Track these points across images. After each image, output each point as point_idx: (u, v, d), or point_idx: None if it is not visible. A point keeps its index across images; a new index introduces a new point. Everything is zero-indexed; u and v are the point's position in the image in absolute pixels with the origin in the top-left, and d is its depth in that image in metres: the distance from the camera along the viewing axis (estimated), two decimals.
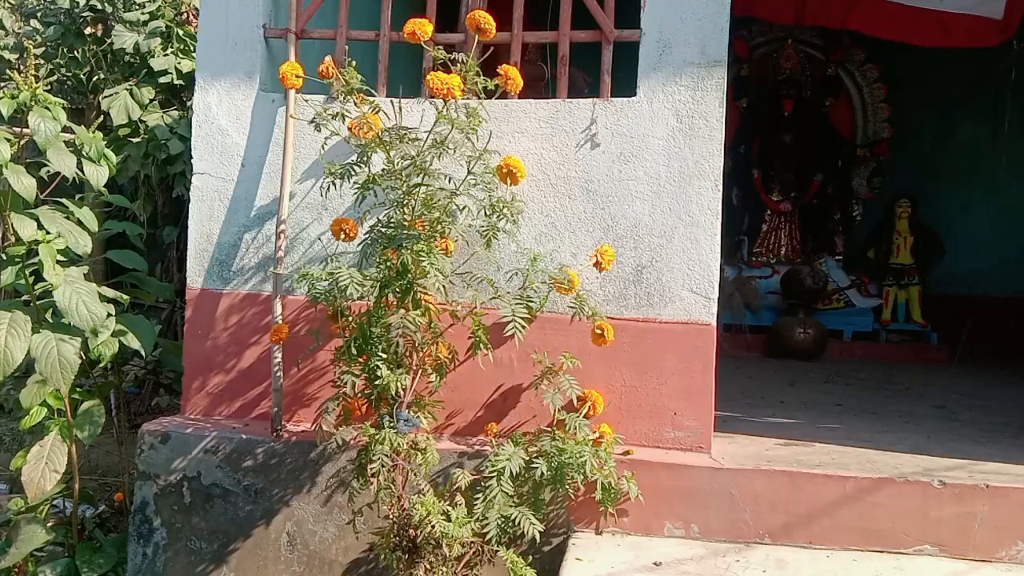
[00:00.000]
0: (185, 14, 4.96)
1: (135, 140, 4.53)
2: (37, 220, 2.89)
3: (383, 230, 2.59)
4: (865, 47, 6.61)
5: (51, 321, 2.94)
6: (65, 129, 3.10)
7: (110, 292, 3.13)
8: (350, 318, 2.65)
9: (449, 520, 2.43)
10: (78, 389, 3.14)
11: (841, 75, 6.76)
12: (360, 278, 2.45)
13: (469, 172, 2.61)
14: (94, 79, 5.12)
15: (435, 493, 2.56)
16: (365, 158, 2.62)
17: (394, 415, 2.50)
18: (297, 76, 2.82)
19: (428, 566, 2.47)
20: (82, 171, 3.18)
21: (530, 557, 2.59)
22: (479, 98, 2.57)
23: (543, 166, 2.98)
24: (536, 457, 2.61)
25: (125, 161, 4.46)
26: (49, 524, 3.09)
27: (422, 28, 2.55)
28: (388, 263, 2.49)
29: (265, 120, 3.16)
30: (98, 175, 3.24)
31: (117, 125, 4.52)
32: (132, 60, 4.90)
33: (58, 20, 5.20)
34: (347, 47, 2.83)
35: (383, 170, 2.60)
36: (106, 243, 4.40)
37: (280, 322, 2.95)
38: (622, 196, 2.93)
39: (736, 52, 6.39)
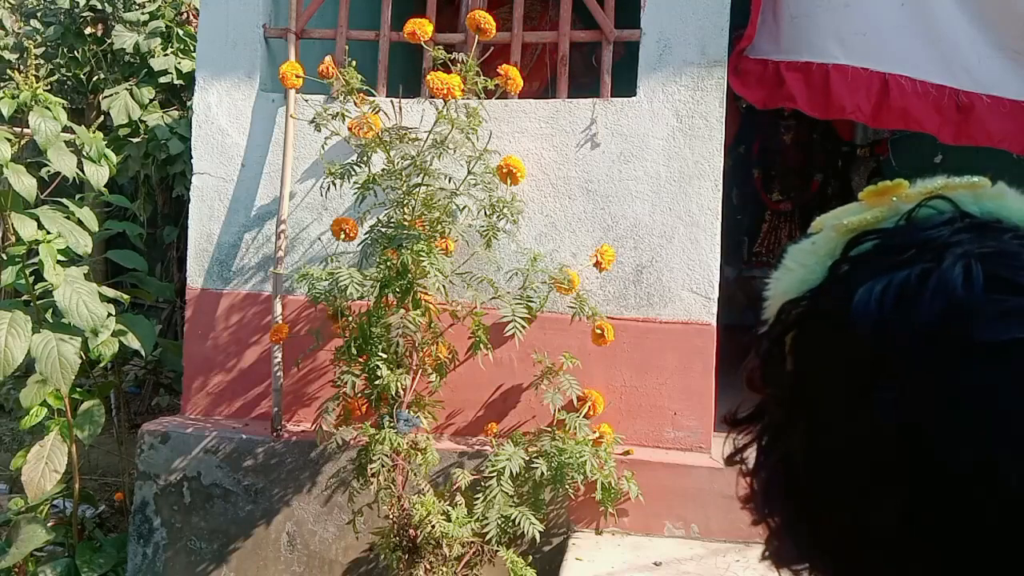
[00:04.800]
0: (185, 14, 4.96)
1: (135, 140, 4.54)
2: (37, 220, 2.89)
3: (383, 230, 2.59)
4: None
5: (51, 321, 2.94)
6: (65, 129, 3.10)
7: (110, 292, 3.13)
8: (350, 318, 2.65)
9: (449, 520, 2.43)
10: (78, 389, 3.14)
11: None
12: (360, 278, 2.45)
13: (469, 172, 2.60)
14: (94, 79, 5.12)
15: (435, 493, 2.56)
16: (365, 158, 2.62)
17: (394, 415, 2.50)
18: (297, 76, 2.82)
19: (428, 566, 2.47)
20: (82, 171, 3.19)
21: (530, 557, 2.59)
22: (479, 98, 2.57)
23: (543, 166, 2.98)
24: (536, 457, 2.61)
25: (125, 161, 4.46)
26: (49, 524, 3.09)
27: (422, 28, 2.55)
28: (388, 263, 2.49)
29: (265, 120, 3.16)
30: (98, 175, 3.24)
31: (117, 125, 4.52)
32: (132, 60, 4.90)
33: (58, 20, 5.20)
34: (347, 47, 2.83)
35: (383, 170, 2.60)
36: (106, 243, 4.40)
37: (280, 322, 2.95)
38: (622, 196, 2.93)
39: None
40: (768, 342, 0.55)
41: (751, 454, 0.58)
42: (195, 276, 3.20)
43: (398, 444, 2.44)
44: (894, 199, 0.53)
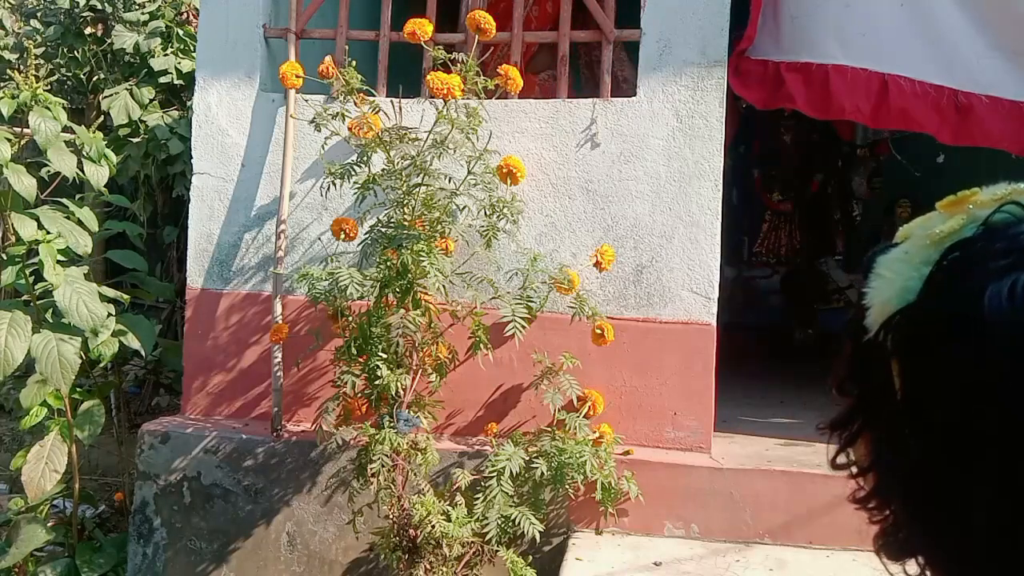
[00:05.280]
0: (185, 14, 4.96)
1: (135, 140, 4.54)
2: (37, 220, 2.89)
3: (383, 230, 2.59)
4: None
5: (51, 321, 2.94)
6: (65, 129, 3.10)
7: (110, 292, 3.13)
8: (350, 318, 2.65)
9: (449, 520, 2.43)
10: (78, 389, 3.14)
11: None
12: (360, 278, 2.45)
13: (469, 172, 2.60)
14: (94, 79, 5.12)
15: (435, 493, 2.56)
16: (365, 158, 2.62)
17: (394, 415, 2.50)
18: (297, 76, 2.82)
19: (428, 566, 2.47)
20: (82, 171, 3.18)
21: (530, 557, 2.59)
22: (479, 98, 2.57)
23: (543, 166, 2.98)
24: (536, 457, 2.61)
25: (125, 161, 4.46)
26: (49, 524, 3.09)
27: (422, 28, 2.55)
28: (388, 263, 2.49)
29: (265, 120, 3.16)
30: (98, 175, 3.24)
31: (117, 125, 4.52)
32: (132, 60, 4.90)
33: (58, 20, 5.20)
34: (347, 47, 2.82)
35: (383, 170, 2.60)
36: (106, 243, 4.39)
37: (280, 322, 2.95)
38: (622, 196, 2.93)
39: None
40: (872, 349, 0.57)
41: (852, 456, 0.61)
42: (195, 276, 3.20)
43: (398, 444, 2.44)
44: (970, 207, 0.56)
